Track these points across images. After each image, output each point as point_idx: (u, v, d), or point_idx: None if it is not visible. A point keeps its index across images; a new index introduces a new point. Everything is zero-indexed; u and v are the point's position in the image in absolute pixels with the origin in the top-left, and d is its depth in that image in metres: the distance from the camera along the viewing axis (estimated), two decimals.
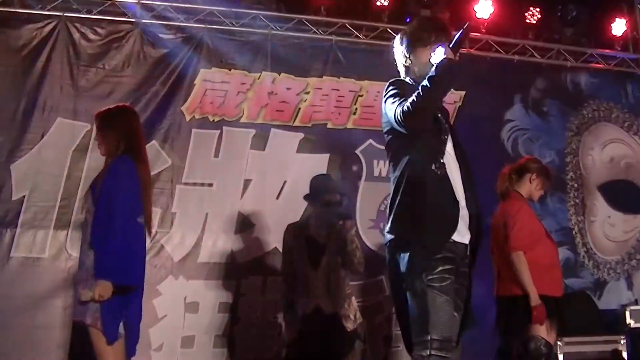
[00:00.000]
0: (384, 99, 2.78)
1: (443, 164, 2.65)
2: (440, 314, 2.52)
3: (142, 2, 5.19)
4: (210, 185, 5.14)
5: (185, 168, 5.07)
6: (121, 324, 3.10)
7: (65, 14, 5.01)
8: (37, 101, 4.82)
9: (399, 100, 2.66)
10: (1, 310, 4.45)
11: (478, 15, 5.89)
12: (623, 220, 6.19)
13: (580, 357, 5.00)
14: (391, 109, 2.67)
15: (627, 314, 5.43)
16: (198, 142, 5.13)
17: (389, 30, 5.61)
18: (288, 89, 5.42)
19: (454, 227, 2.60)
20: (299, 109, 5.42)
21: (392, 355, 5.20)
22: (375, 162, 5.50)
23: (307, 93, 5.45)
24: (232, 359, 4.88)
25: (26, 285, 4.56)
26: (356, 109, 5.55)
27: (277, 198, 5.25)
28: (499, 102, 5.99)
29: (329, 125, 5.49)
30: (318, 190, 4.25)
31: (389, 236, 2.70)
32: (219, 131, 5.19)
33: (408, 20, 5.59)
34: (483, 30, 5.95)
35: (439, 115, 2.76)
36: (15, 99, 4.80)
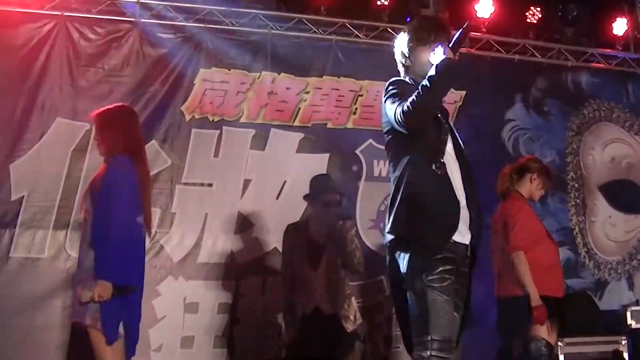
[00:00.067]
0: (383, 99, 2.77)
1: (443, 163, 2.65)
2: (440, 315, 2.51)
3: (142, 1, 5.17)
4: (210, 185, 5.12)
5: (184, 168, 5.05)
6: (121, 324, 3.09)
7: (65, 14, 4.98)
8: (36, 101, 4.79)
9: (399, 100, 2.65)
10: (0, 310, 4.44)
11: (478, 15, 5.87)
12: (624, 220, 6.18)
13: (581, 357, 4.98)
14: (391, 109, 2.67)
15: (628, 314, 5.40)
16: (198, 142, 5.12)
17: (389, 30, 5.59)
18: (288, 88, 5.41)
19: (454, 227, 2.59)
20: (299, 108, 5.40)
21: (392, 355, 5.19)
22: (375, 162, 5.49)
23: (307, 93, 5.44)
24: None
25: (25, 286, 4.55)
26: (356, 108, 5.54)
27: (277, 198, 5.23)
28: (499, 102, 5.99)
29: (329, 125, 5.48)
30: (318, 190, 4.24)
31: (389, 236, 2.69)
32: (218, 131, 5.18)
33: (408, 19, 5.57)
34: (483, 29, 5.94)
35: (439, 115, 2.75)
36: (14, 99, 4.77)
